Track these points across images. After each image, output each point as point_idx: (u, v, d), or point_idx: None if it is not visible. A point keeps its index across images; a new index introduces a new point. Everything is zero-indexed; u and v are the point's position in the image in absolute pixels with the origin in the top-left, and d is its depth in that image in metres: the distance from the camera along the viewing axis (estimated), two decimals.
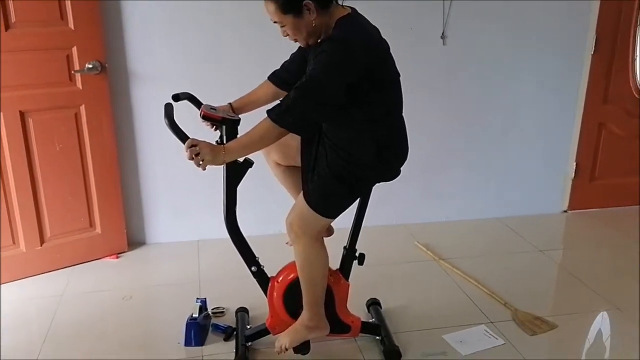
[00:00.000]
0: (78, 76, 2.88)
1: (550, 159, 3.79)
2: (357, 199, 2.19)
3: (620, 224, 3.72)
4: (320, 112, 1.94)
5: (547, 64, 3.56)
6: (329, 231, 2.35)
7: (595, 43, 3.54)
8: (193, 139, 1.96)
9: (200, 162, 1.94)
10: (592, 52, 3.56)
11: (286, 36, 1.99)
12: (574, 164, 3.79)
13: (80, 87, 2.90)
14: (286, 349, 2.24)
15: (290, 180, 2.37)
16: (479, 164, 3.69)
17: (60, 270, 3.06)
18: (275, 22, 1.95)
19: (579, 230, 3.74)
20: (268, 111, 1.94)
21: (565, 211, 3.91)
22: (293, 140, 2.13)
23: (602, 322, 2.67)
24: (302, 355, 2.29)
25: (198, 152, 1.93)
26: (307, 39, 1.97)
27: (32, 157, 2.86)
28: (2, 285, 2.89)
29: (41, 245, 2.99)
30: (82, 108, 2.93)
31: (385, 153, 2.05)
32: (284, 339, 2.24)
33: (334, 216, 2.12)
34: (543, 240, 3.47)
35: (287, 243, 2.38)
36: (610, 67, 3.61)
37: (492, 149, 3.67)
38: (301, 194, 2.13)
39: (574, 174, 3.81)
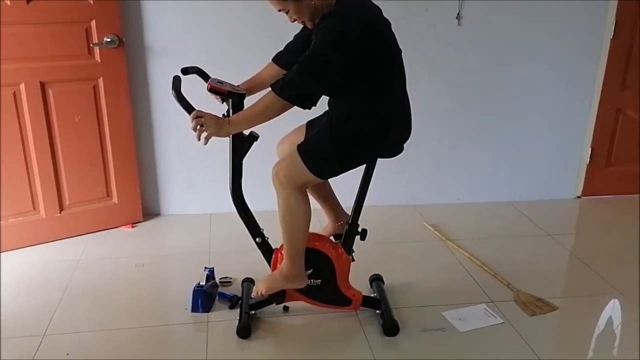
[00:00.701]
0: (97, 49, 2.96)
1: (565, 144, 3.76)
2: (350, 169, 2.21)
3: (633, 211, 3.68)
4: (321, 86, 1.98)
5: (565, 48, 3.52)
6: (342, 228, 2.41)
7: (615, 28, 3.48)
8: (199, 110, 2.02)
9: (203, 134, 1.99)
10: (611, 38, 3.51)
11: (294, 21, 2.06)
12: (590, 149, 3.76)
13: (99, 60, 2.98)
14: (262, 295, 2.31)
15: (318, 193, 2.44)
16: (492, 147, 3.68)
17: (77, 237, 3.18)
18: (279, 10, 2.02)
19: (592, 216, 3.72)
20: (272, 85, 2.00)
21: (578, 197, 3.89)
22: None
23: (603, 306, 2.68)
24: (276, 305, 2.37)
25: (202, 123, 1.98)
26: (312, 20, 2.03)
27: (52, 127, 2.97)
28: (21, 249, 3.02)
29: (60, 213, 3.11)
30: (100, 81, 3.02)
31: (388, 127, 2.09)
32: (261, 285, 2.31)
33: (321, 176, 2.15)
34: (553, 225, 3.47)
35: None
36: (629, 53, 3.56)
37: (506, 132, 3.66)
38: (295, 146, 2.16)
39: (589, 159, 3.79)
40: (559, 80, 3.59)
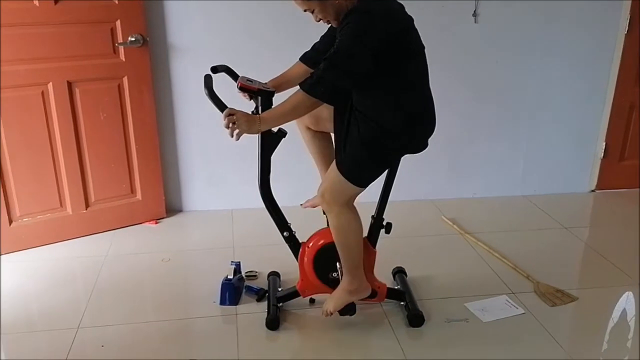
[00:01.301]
0: (121, 49, 3.02)
1: (579, 139, 3.81)
2: (386, 168, 2.29)
3: None
4: (349, 81, 2.04)
5: (580, 44, 3.57)
6: None
7: (629, 23, 3.52)
8: (231, 108, 2.08)
9: (236, 131, 2.05)
10: (626, 33, 3.55)
11: (319, 21, 2.11)
12: (604, 144, 3.81)
13: (124, 60, 3.04)
14: (331, 313, 2.37)
15: (318, 145, 2.48)
16: (507, 142, 3.73)
17: (103, 233, 3.25)
18: (305, 10, 2.08)
19: (606, 209, 3.77)
20: (300, 83, 2.05)
21: (593, 191, 3.94)
22: (325, 109, 2.23)
23: (623, 296, 2.73)
24: (350, 317, 2.42)
25: (235, 121, 2.04)
26: (337, 18, 2.08)
27: (78, 125, 3.03)
28: (49, 245, 3.09)
29: (86, 209, 3.18)
30: (125, 79, 3.08)
31: (414, 122, 2.14)
32: (328, 304, 2.37)
33: (364, 184, 2.21)
34: (569, 218, 3.52)
35: (302, 205, 2.53)
36: None
37: (522, 127, 3.71)
38: (334, 163, 2.23)
39: (603, 154, 3.83)
40: (573, 76, 3.64)
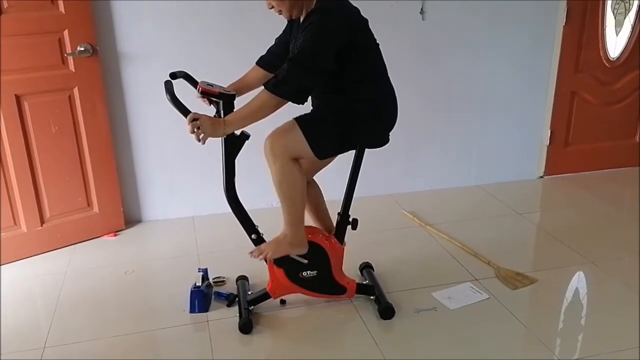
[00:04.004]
0: (70, 59, 2.94)
1: (526, 127, 3.97)
2: (344, 148, 2.28)
3: (593, 187, 3.94)
4: (313, 79, 2.07)
5: (522, 37, 3.72)
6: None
7: (567, 15, 3.70)
8: (195, 113, 2.07)
9: (201, 135, 2.05)
10: (564, 24, 3.72)
11: (271, 8, 2.13)
12: (549, 131, 3.98)
13: (73, 70, 2.97)
14: (265, 258, 2.36)
15: (311, 202, 2.49)
16: (458, 135, 3.85)
17: (61, 249, 3.15)
18: (271, 8, 2.11)
19: (555, 193, 3.95)
20: (265, 84, 2.07)
21: (541, 177, 4.11)
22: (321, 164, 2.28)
23: (579, 275, 2.87)
24: (278, 267, 2.41)
25: (199, 125, 2.04)
26: (290, 11, 2.11)
27: (29, 139, 2.93)
28: (6, 265, 2.98)
29: (41, 226, 3.08)
30: (76, 90, 3.00)
31: (380, 111, 2.21)
32: (267, 248, 2.35)
33: (318, 152, 2.19)
34: (521, 204, 3.67)
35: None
36: (581, 37, 3.79)
37: (471, 120, 3.84)
38: (293, 118, 2.21)
39: (549, 141, 4.00)
40: (517, 68, 3.79)
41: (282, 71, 2.04)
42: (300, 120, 2.19)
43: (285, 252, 2.37)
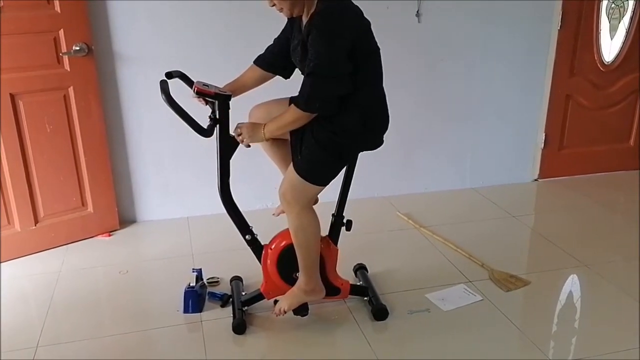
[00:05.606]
0: (66, 58, 2.94)
1: (520, 131, 3.98)
2: (344, 165, 2.32)
3: (587, 190, 3.95)
4: (340, 86, 2.07)
5: (517, 41, 3.73)
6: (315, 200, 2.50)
7: (562, 19, 3.72)
8: (239, 122, 2.23)
9: (245, 140, 2.20)
10: (559, 28, 3.74)
11: (272, 6, 2.11)
12: (544, 134, 3.99)
13: (69, 69, 2.96)
14: (284, 312, 2.38)
15: (278, 153, 2.48)
16: (453, 137, 3.86)
17: (55, 248, 3.14)
18: (272, 5, 2.08)
19: (549, 196, 3.96)
20: (295, 103, 2.09)
21: (536, 180, 4.12)
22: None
23: (572, 278, 2.88)
24: (302, 317, 2.44)
25: (240, 133, 2.17)
26: (291, 9, 2.09)
27: (23, 138, 2.92)
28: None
29: (35, 225, 3.07)
30: (71, 90, 3.00)
31: (369, 120, 2.19)
32: (282, 303, 2.39)
33: (323, 183, 2.25)
34: (516, 207, 3.68)
35: (273, 214, 2.54)
36: (575, 42, 3.80)
37: (466, 123, 3.84)
38: (291, 165, 2.26)
39: (543, 144, 4.01)
40: (512, 71, 3.80)
41: (306, 88, 2.05)
42: (295, 167, 2.22)
43: (301, 301, 2.40)
